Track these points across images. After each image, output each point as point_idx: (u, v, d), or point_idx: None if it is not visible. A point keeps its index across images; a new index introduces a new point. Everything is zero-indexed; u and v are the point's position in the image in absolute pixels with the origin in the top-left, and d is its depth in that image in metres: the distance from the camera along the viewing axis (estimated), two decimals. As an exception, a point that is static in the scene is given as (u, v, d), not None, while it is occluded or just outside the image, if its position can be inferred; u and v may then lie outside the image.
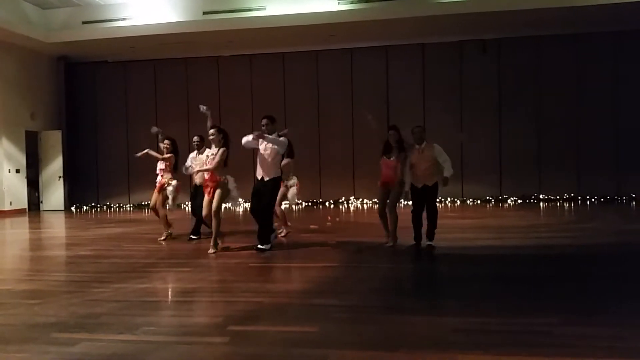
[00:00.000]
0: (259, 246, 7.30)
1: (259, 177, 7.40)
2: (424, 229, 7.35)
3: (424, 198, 7.31)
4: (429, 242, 7.32)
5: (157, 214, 8.81)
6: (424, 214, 7.35)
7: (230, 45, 14.56)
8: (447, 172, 7.22)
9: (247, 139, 7.46)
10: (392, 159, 7.48)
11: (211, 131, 7.37)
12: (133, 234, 9.72)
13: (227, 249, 7.49)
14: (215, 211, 7.21)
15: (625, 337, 3.56)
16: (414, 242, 7.42)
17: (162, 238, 8.65)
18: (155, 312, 4.52)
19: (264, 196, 7.32)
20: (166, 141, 8.78)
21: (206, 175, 7.41)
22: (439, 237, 7.86)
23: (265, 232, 7.34)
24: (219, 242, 7.44)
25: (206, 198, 7.35)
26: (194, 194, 8.77)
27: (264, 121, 7.48)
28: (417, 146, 7.32)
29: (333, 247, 7.67)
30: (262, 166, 7.40)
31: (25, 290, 5.41)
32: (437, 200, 7.77)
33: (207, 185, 7.35)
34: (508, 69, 14.40)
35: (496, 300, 4.57)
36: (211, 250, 7.27)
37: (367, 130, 14.07)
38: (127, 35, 13.48)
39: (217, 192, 7.22)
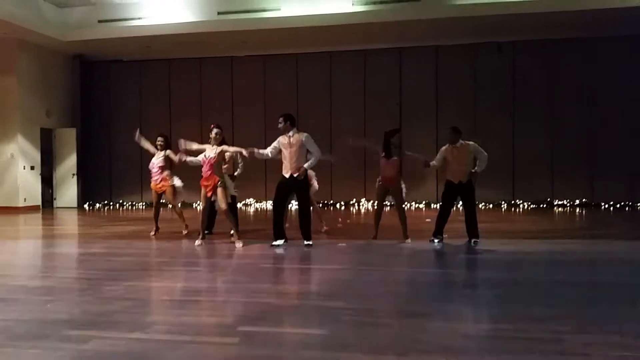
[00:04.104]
0: (307, 242, 7.63)
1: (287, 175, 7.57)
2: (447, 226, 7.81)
3: (457, 194, 7.78)
4: (474, 240, 7.69)
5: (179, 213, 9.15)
6: (450, 213, 7.91)
7: (245, 45, 14.61)
8: (479, 167, 7.70)
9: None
10: (393, 158, 7.85)
11: (216, 130, 7.63)
12: (145, 232, 9.77)
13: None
14: (225, 210, 7.54)
15: (637, 346, 3.52)
16: (432, 239, 7.83)
17: (185, 231, 9.02)
18: (167, 311, 4.54)
19: (295, 191, 7.62)
20: (160, 138, 8.96)
21: (203, 174, 7.66)
22: (451, 241, 7.88)
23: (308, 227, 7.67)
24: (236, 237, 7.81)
25: (204, 192, 7.68)
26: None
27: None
28: (451, 145, 7.77)
29: (344, 249, 7.66)
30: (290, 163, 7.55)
31: (38, 286, 5.47)
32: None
33: (207, 185, 7.62)
34: (522, 71, 14.31)
35: (507, 306, 4.53)
36: (235, 239, 7.73)
37: (379, 131, 14.09)
38: (142, 34, 13.59)
39: (219, 190, 7.49)
